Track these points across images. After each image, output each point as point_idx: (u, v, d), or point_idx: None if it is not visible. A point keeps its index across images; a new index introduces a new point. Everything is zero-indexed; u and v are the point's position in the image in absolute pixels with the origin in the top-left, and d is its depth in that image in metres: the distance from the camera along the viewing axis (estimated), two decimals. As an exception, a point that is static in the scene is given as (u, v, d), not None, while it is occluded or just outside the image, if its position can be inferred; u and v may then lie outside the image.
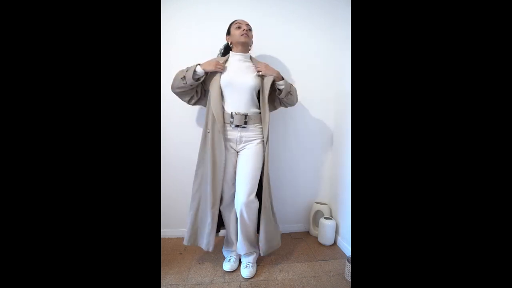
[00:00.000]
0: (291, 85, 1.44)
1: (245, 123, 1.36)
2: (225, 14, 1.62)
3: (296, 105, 1.78)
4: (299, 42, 1.74)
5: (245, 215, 1.35)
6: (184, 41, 1.64)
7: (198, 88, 1.43)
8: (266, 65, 1.41)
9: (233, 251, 1.50)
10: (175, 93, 1.42)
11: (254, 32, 1.56)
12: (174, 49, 1.63)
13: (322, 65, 1.78)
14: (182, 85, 1.36)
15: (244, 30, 1.37)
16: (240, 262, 1.49)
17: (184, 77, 1.33)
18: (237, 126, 1.35)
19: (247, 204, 1.34)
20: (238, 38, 1.38)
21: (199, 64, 1.35)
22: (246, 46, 1.43)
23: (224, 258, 1.54)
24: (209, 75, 1.38)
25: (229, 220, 1.47)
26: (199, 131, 1.68)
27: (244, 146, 1.40)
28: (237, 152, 1.41)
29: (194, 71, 1.33)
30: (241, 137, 1.38)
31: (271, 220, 1.44)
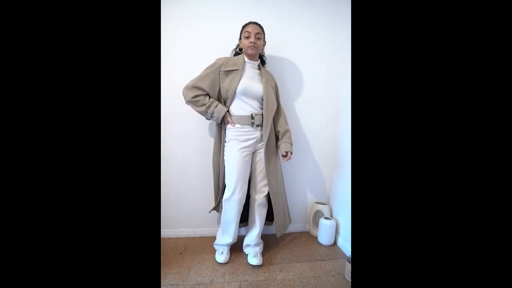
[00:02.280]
0: (291, 143, 1.52)
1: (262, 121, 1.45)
2: (225, 14, 1.62)
3: (297, 105, 1.80)
4: (299, 42, 1.74)
5: (264, 208, 1.50)
6: (184, 41, 1.64)
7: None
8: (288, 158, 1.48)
9: (225, 244, 1.56)
10: (189, 102, 1.45)
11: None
12: (174, 49, 1.63)
13: (322, 65, 1.78)
14: (202, 112, 1.42)
15: (251, 42, 1.38)
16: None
17: (213, 114, 1.40)
18: (258, 125, 1.43)
19: (267, 198, 1.49)
20: (246, 49, 1.43)
21: (227, 110, 1.42)
22: (254, 56, 1.46)
23: (214, 251, 1.60)
24: (225, 78, 1.41)
25: (234, 214, 1.48)
26: (199, 131, 1.69)
27: (262, 144, 1.46)
28: (255, 151, 1.49)
29: (214, 114, 1.41)
30: (261, 135, 1.46)
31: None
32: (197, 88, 1.40)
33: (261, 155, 1.47)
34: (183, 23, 1.62)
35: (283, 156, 1.48)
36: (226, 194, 1.44)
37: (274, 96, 1.48)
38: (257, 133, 1.44)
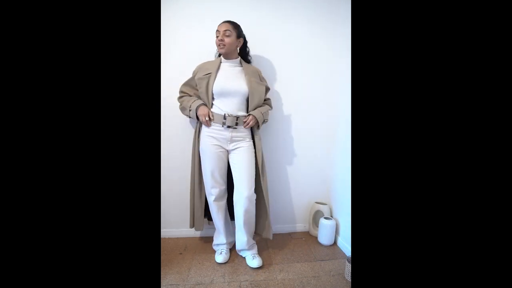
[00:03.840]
0: (262, 113, 1.48)
1: (236, 124, 1.43)
2: (225, 14, 1.62)
3: (297, 105, 1.80)
4: (299, 42, 1.74)
5: (249, 209, 1.45)
6: (184, 41, 1.64)
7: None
8: (249, 122, 1.45)
9: (223, 244, 1.58)
10: (178, 102, 1.57)
11: (253, 32, 1.55)
12: (174, 49, 1.63)
13: (322, 65, 1.78)
14: (183, 108, 1.52)
15: (219, 40, 1.39)
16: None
17: (190, 108, 1.45)
18: (228, 126, 1.42)
19: (250, 199, 1.44)
20: (217, 48, 1.44)
21: (200, 105, 1.44)
22: (228, 54, 1.45)
23: (214, 251, 1.61)
24: (200, 81, 1.44)
25: (218, 214, 1.54)
26: (199, 131, 1.68)
27: (235, 145, 1.46)
28: (228, 151, 1.49)
29: (191, 108, 1.46)
30: (232, 137, 1.45)
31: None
32: (182, 91, 1.54)
33: (235, 157, 1.46)
34: (183, 23, 1.62)
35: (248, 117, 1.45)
36: (206, 189, 1.51)
37: (260, 90, 1.47)
38: (227, 134, 1.43)
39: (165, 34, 1.59)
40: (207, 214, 1.63)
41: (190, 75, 1.54)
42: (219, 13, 1.63)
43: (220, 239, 1.59)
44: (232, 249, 1.65)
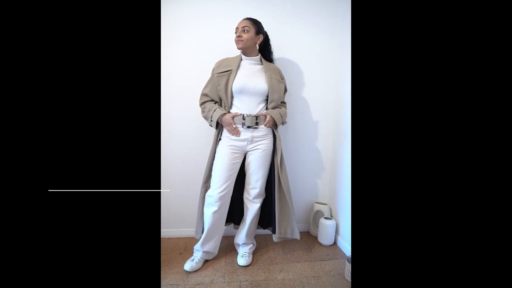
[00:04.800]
0: (281, 115, 1.46)
1: (256, 124, 1.40)
2: (225, 13, 1.62)
3: (297, 105, 1.80)
4: (299, 42, 1.74)
5: (252, 212, 1.48)
6: (184, 41, 1.64)
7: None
8: (267, 123, 1.42)
9: (203, 251, 1.47)
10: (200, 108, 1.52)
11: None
12: (174, 49, 1.63)
13: (322, 65, 1.78)
14: (205, 117, 1.48)
15: (237, 36, 1.36)
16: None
17: (212, 118, 1.41)
18: (248, 127, 1.40)
19: (255, 202, 1.48)
20: (236, 44, 1.40)
21: (222, 115, 1.38)
22: (246, 51, 1.41)
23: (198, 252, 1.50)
24: (220, 78, 1.39)
25: (210, 218, 1.42)
26: (199, 131, 1.68)
27: (254, 146, 1.43)
28: (245, 154, 1.46)
29: (213, 119, 1.41)
30: (252, 137, 1.41)
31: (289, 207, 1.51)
32: (204, 95, 1.46)
33: (252, 156, 1.44)
34: (183, 23, 1.62)
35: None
36: (209, 191, 1.42)
37: (280, 88, 1.44)
38: (247, 134, 1.40)
39: (165, 34, 1.59)
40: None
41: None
42: (219, 13, 1.63)
43: (197, 245, 1.48)
44: (233, 249, 1.64)
